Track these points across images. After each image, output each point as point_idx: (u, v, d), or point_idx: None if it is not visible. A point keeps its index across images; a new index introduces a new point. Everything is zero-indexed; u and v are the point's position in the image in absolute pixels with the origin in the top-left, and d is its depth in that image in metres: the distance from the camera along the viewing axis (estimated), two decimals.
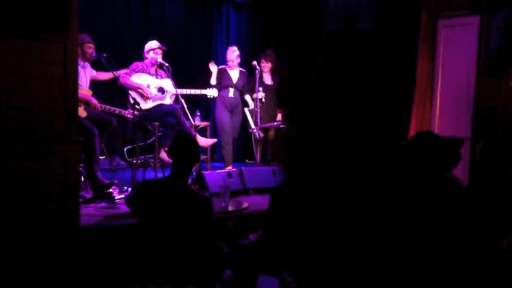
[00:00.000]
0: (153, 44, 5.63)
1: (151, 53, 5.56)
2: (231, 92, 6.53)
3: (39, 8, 3.17)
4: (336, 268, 3.49)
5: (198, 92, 5.86)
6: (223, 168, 6.39)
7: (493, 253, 3.01)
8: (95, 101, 4.88)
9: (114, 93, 5.93)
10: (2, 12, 3.10)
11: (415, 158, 2.73)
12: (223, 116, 6.51)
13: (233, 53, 6.54)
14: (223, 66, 6.58)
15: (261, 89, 6.76)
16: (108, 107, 5.07)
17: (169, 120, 5.39)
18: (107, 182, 4.75)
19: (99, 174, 4.73)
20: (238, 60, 6.59)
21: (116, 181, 4.90)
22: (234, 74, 6.59)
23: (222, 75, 6.51)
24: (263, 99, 6.72)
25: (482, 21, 5.45)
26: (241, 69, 6.67)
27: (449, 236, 2.68)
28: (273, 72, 7.03)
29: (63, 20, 3.27)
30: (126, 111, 5.15)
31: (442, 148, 2.79)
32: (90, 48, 5.03)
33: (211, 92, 5.93)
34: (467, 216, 2.78)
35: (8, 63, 3.16)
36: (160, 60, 5.55)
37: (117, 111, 5.12)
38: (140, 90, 5.38)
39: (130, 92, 5.32)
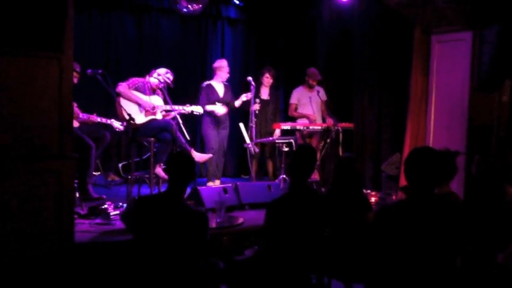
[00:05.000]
0: (169, 75, 5.67)
1: (161, 78, 5.60)
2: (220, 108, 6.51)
3: (33, 25, 3.18)
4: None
5: (180, 107, 5.68)
6: (206, 183, 6.42)
7: (489, 268, 3.01)
8: (76, 109, 4.96)
9: (110, 106, 5.94)
10: None
11: (415, 175, 2.70)
12: (210, 132, 6.51)
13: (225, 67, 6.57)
14: (209, 82, 6.59)
15: (257, 100, 6.83)
16: (93, 117, 5.10)
17: (164, 136, 5.39)
18: (95, 196, 4.77)
19: (90, 188, 4.75)
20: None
21: (104, 196, 4.91)
22: (220, 88, 6.59)
23: (209, 90, 6.52)
24: (257, 112, 6.76)
25: (474, 36, 5.50)
26: (225, 83, 6.66)
27: (448, 258, 2.67)
28: (271, 88, 7.14)
29: (57, 37, 3.28)
30: (113, 120, 5.17)
31: (441, 163, 2.78)
32: (75, 78, 5.11)
33: (197, 109, 5.82)
34: (465, 232, 2.77)
35: (1, 80, 3.16)
36: (160, 85, 5.61)
37: (103, 120, 5.16)
38: (136, 103, 5.41)
39: (125, 107, 5.28)
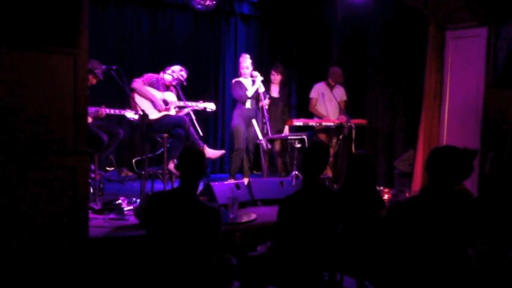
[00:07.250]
0: (183, 73, 5.69)
1: (174, 75, 5.63)
2: (248, 103, 6.48)
3: (49, 21, 3.21)
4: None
5: (194, 104, 5.67)
6: (228, 179, 6.35)
7: (503, 265, 2.99)
8: None
9: (124, 102, 5.98)
10: (13, 25, 3.14)
11: (438, 173, 2.69)
12: (240, 128, 6.42)
13: (246, 62, 6.45)
14: (238, 78, 6.52)
15: (267, 96, 6.78)
16: (102, 110, 5.17)
17: (178, 132, 5.41)
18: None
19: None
20: (251, 69, 6.45)
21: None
22: (248, 83, 6.49)
23: (238, 86, 6.46)
24: (266, 107, 6.69)
25: (490, 32, 5.45)
26: (253, 78, 6.52)
27: (462, 254, 2.66)
28: (281, 85, 7.08)
29: (73, 33, 3.31)
30: (127, 111, 5.22)
31: (464, 161, 2.77)
32: (94, 79, 5.16)
33: (209, 106, 5.79)
34: (478, 229, 2.76)
35: (18, 76, 3.18)
36: (173, 82, 5.65)
37: (116, 112, 5.22)
38: (149, 100, 5.45)
39: (139, 103, 5.32)
